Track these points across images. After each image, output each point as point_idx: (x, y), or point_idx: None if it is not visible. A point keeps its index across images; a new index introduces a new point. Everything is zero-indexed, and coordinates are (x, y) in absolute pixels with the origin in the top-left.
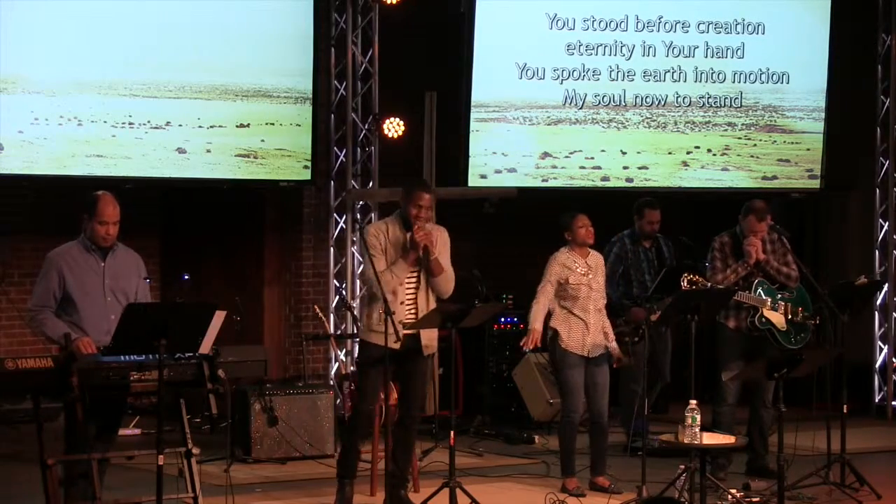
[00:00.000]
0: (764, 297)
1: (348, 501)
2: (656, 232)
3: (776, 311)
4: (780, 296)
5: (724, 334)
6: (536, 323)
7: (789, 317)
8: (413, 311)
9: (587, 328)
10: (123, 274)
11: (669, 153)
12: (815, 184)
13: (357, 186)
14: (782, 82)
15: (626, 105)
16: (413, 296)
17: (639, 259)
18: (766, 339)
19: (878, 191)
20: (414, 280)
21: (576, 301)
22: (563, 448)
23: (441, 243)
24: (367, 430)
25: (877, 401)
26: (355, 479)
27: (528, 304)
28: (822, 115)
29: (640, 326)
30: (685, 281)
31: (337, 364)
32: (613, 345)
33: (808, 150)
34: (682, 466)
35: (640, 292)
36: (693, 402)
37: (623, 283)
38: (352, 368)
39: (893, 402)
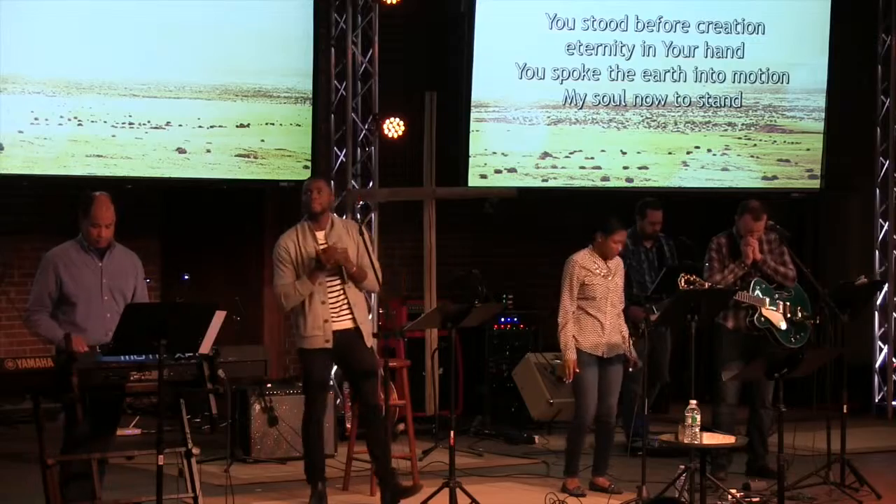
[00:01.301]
0: (762, 297)
1: (322, 496)
2: (658, 232)
3: (775, 310)
4: (777, 295)
5: (722, 334)
6: (570, 352)
7: (788, 316)
8: (342, 307)
9: (602, 329)
10: (121, 273)
11: (669, 153)
12: (815, 184)
13: (357, 186)
14: (782, 82)
15: (626, 105)
16: (339, 292)
17: (639, 259)
18: (766, 339)
19: (878, 191)
20: (336, 278)
21: (592, 301)
22: (569, 448)
23: (353, 245)
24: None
25: (877, 401)
26: (326, 482)
27: (527, 305)
28: (822, 115)
29: (638, 325)
30: (683, 281)
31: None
32: (630, 348)
33: (808, 150)
34: (682, 466)
35: (639, 292)
36: (693, 402)
37: (625, 283)
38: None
39: (893, 402)
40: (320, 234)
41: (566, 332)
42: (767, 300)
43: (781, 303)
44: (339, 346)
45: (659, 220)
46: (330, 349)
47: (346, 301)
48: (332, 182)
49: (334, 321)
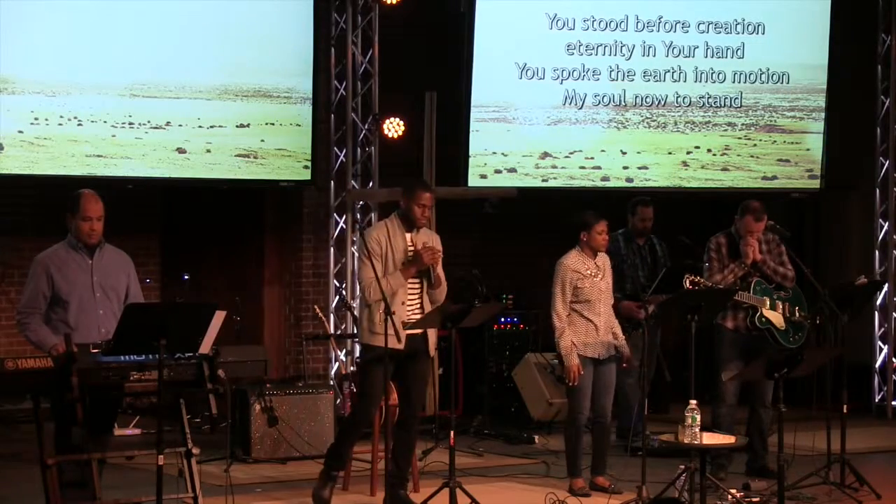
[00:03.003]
0: (762, 297)
1: (333, 480)
2: (649, 229)
3: (774, 310)
4: (776, 295)
5: (722, 335)
6: (573, 358)
7: (787, 316)
8: (417, 311)
9: (596, 330)
10: (112, 271)
11: (669, 153)
12: (815, 184)
13: (357, 186)
14: (782, 82)
15: (626, 105)
16: (417, 296)
17: (632, 256)
18: (765, 339)
19: (878, 191)
20: (417, 282)
21: (587, 304)
22: (569, 449)
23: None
24: (364, 432)
25: (877, 401)
26: (338, 478)
27: (527, 305)
28: (822, 115)
29: (632, 320)
30: (687, 282)
31: (337, 364)
32: (624, 346)
33: (808, 150)
34: (682, 466)
35: (632, 289)
36: (693, 402)
37: (616, 280)
38: (352, 369)
39: (893, 402)
40: (408, 235)
41: (565, 338)
42: (767, 300)
43: (781, 303)
44: (407, 349)
45: (650, 217)
46: (400, 350)
47: (420, 307)
48: (332, 182)
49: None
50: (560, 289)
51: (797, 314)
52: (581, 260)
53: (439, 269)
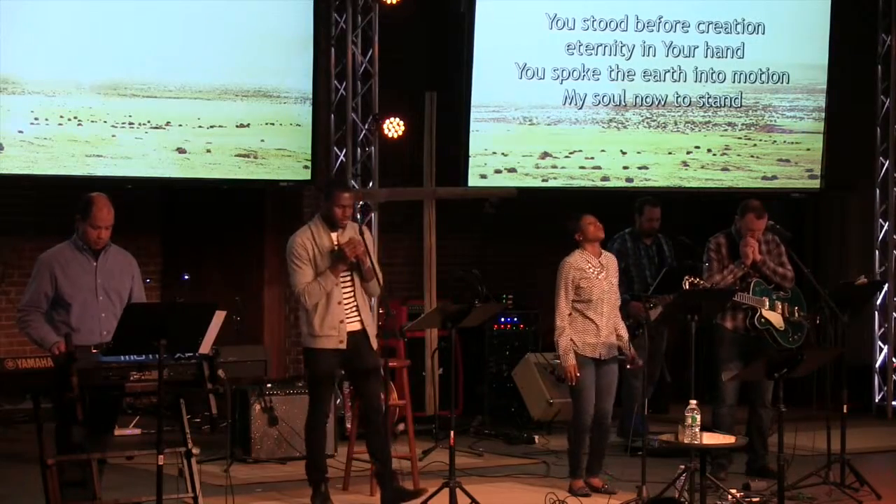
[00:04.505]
0: (762, 298)
1: (325, 497)
2: (656, 229)
3: (773, 311)
4: (775, 296)
5: (721, 335)
6: (570, 357)
7: (786, 316)
8: (353, 308)
9: (598, 331)
10: (116, 273)
11: (669, 153)
12: (815, 184)
13: (357, 186)
14: (782, 82)
15: (626, 105)
16: (351, 295)
17: (639, 256)
18: (764, 339)
19: (878, 191)
20: (349, 281)
21: (589, 304)
22: (571, 449)
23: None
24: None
25: (877, 401)
26: (328, 481)
27: (527, 305)
28: (822, 115)
29: (639, 322)
30: (687, 283)
31: None
32: (630, 347)
33: (808, 150)
34: (682, 466)
35: (640, 289)
36: (693, 402)
37: (624, 280)
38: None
39: (893, 402)
40: (334, 235)
41: (564, 338)
42: (766, 301)
43: (780, 303)
44: (348, 347)
45: (657, 217)
46: (343, 350)
47: (355, 303)
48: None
49: (348, 322)
50: (563, 287)
51: (796, 314)
52: (584, 258)
53: (370, 261)
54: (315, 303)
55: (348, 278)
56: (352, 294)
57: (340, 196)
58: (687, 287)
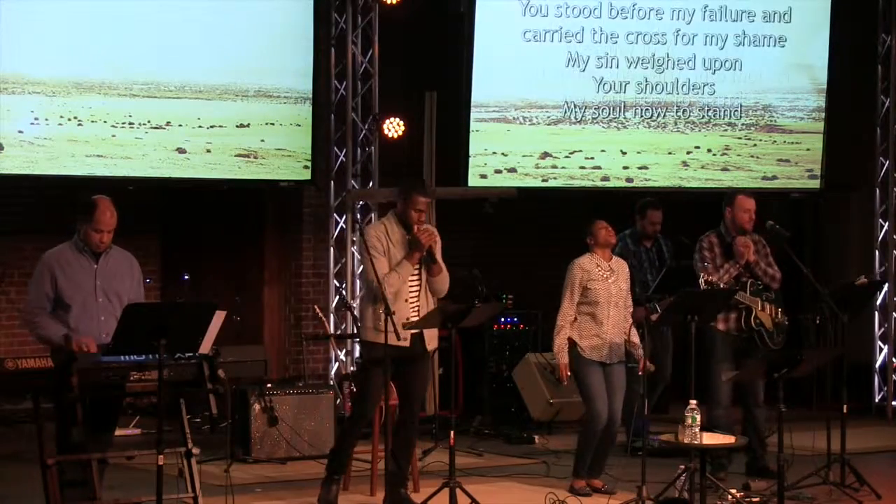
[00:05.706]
0: (755, 298)
1: (333, 500)
2: (658, 232)
3: (764, 311)
4: (764, 297)
5: (713, 336)
6: (563, 356)
7: (772, 317)
8: (416, 308)
9: (603, 334)
10: (117, 275)
11: (669, 153)
12: (815, 184)
13: (357, 186)
14: (782, 82)
15: (626, 105)
16: (417, 294)
17: (640, 258)
18: (753, 340)
19: (878, 191)
20: (416, 279)
21: (595, 306)
22: (579, 451)
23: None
24: (363, 432)
25: (877, 401)
26: (342, 479)
27: (527, 305)
28: (822, 115)
29: (640, 325)
30: (703, 282)
31: (337, 364)
32: (639, 352)
33: (808, 150)
34: (682, 466)
35: (641, 291)
36: (693, 402)
37: None
38: (352, 369)
39: (893, 402)
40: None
41: (561, 336)
42: (759, 301)
43: (769, 304)
44: (410, 347)
45: (659, 220)
46: (403, 347)
47: (419, 302)
48: (332, 182)
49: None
50: (569, 288)
51: (779, 316)
52: (594, 261)
53: (439, 257)
54: (395, 291)
55: (416, 278)
56: (417, 293)
57: (417, 200)
58: (703, 286)
